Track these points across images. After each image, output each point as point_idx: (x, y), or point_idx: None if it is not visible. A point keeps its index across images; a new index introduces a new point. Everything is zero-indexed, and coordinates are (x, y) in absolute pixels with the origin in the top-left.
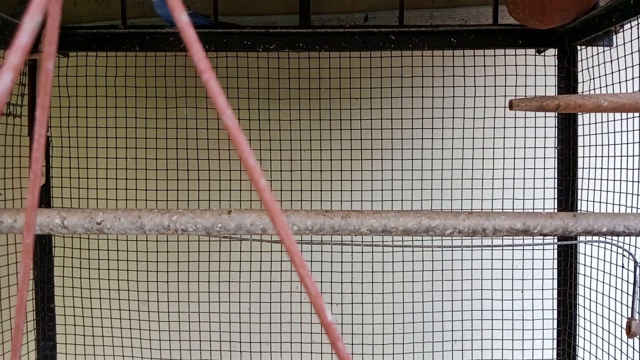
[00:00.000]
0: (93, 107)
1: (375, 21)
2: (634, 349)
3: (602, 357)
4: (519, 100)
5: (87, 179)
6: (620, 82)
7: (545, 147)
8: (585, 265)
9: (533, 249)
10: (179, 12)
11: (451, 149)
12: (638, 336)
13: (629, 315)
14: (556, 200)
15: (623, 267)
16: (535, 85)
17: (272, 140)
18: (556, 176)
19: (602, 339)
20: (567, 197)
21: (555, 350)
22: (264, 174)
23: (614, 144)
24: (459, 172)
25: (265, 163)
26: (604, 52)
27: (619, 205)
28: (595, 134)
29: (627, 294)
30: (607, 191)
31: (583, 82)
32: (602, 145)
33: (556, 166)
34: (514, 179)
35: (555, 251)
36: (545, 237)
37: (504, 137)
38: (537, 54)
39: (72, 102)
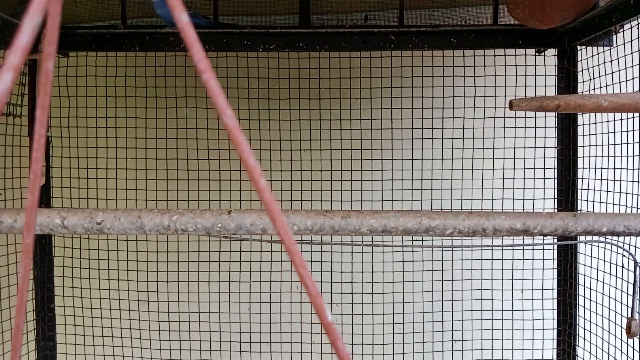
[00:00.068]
0: (93, 107)
1: (375, 21)
2: (634, 349)
3: (602, 357)
4: (519, 100)
5: (87, 179)
6: (620, 82)
7: (545, 147)
8: (585, 265)
9: (533, 249)
10: (179, 12)
11: (451, 149)
12: (638, 336)
13: (629, 315)
14: (556, 200)
15: (623, 267)
16: (535, 85)
17: (272, 140)
18: (556, 176)
19: (602, 339)
20: (567, 197)
21: (555, 350)
22: (264, 174)
23: (614, 144)
24: (459, 172)
25: (265, 163)
26: (604, 52)
27: (619, 205)
28: (595, 134)
29: (627, 294)
30: (607, 191)
31: (583, 82)
32: (602, 145)
33: (556, 166)
34: (514, 179)
35: (555, 251)
36: (545, 237)
37: (504, 137)
38: (537, 54)
39: (72, 102)
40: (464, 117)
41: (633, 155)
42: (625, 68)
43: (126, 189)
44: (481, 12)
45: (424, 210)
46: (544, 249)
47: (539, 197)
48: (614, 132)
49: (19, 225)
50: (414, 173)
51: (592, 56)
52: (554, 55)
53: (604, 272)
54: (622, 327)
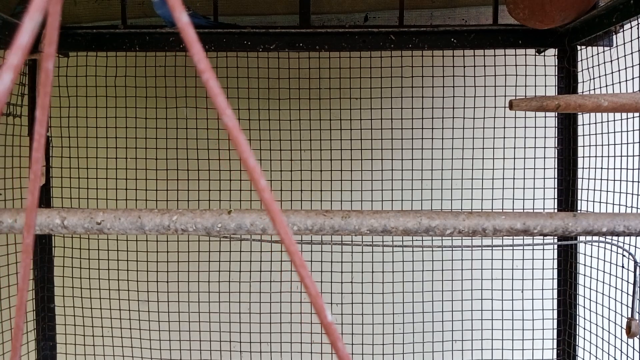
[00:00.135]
0: (93, 107)
1: (375, 21)
2: (634, 349)
3: (602, 357)
4: (519, 100)
5: (87, 179)
6: (620, 82)
7: (545, 147)
8: (585, 265)
9: (533, 249)
10: (179, 12)
11: (451, 149)
12: (638, 336)
13: (629, 315)
14: (556, 200)
15: (623, 267)
16: (535, 85)
17: (272, 140)
18: (556, 176)
19: (602, 339)
20: (567, 197)
21: (555, 350)
22: (264, 174)
23: (614, 144)
24: (459, 172)
25: (265, 163)
26: (604, 52)
27: (619, 205)
28: (595, 134)
29: (627, 294)
30: (607, 191)
31: (583, 82)
32: (602, 145)
33: (556, 166)
34: (514, 179)
35: (555, 251)
36: (545, 237)
37: (504, 137)
38: (537, 54)
39: (72, 102)
40: (464, 117)
41: (633, 155)
42: (625, 68)
43: (126, 189)
44: (481, 12)
45: (424, 210)
46: (544, 249)
47: (539, 197)
48: (614, 132)
49: (19, 225)
50: (414, 173)
51: (592, 56)
52: (554, 55)
53: (604, 272)
54: (622, 327)
